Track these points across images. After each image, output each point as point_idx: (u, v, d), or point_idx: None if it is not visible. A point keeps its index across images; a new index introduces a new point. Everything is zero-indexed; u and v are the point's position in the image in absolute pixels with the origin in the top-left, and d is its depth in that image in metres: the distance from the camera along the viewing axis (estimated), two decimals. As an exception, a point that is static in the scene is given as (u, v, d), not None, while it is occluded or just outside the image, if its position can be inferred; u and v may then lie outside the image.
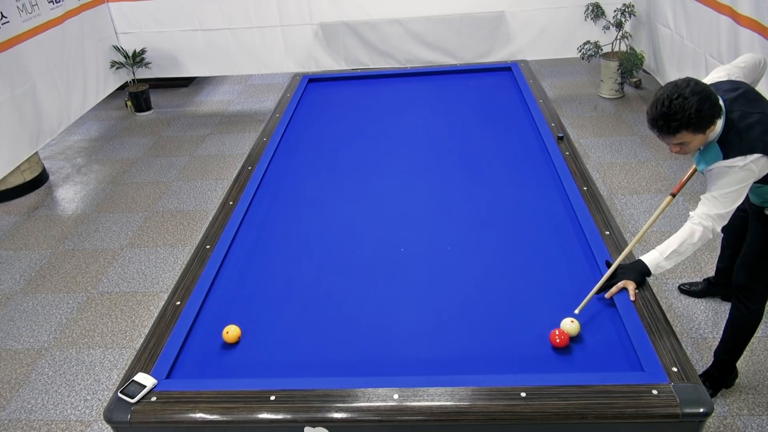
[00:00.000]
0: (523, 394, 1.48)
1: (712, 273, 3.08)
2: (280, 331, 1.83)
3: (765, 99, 1.95)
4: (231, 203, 2.48)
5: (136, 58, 5.63)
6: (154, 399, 1.57)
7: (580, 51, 5.26)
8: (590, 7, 5.09)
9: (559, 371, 1.60)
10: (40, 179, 4.78)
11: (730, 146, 1.82)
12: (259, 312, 1.91)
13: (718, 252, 2.92)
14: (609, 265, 1.90)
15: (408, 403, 1.49)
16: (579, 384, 1.50)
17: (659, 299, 2.64)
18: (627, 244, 2.03)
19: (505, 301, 1.87)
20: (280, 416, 1.50)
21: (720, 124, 1.83)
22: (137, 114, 6.02)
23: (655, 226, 3.62)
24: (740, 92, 1.90)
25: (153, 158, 5.10)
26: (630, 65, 5.06)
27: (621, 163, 4.36)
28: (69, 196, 4.63)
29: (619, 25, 5.11)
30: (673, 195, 2.03)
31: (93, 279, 3.60)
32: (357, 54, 5.54)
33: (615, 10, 5.06)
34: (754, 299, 2.30)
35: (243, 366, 1.71)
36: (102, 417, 1.87)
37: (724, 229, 2.56)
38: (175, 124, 5.76)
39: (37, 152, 4.66)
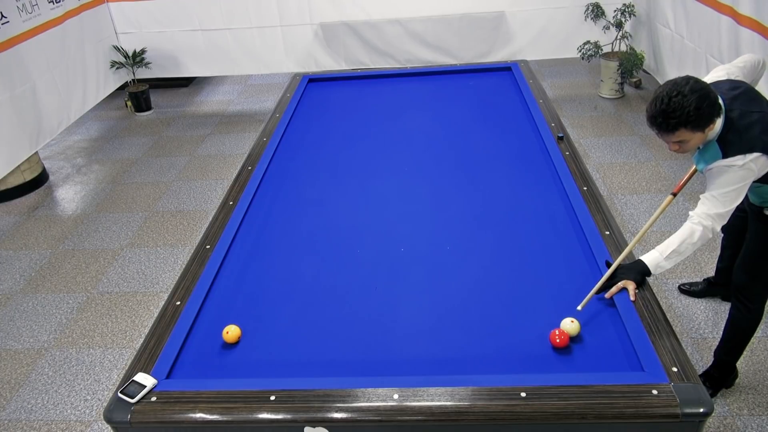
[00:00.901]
0: (523, 394, 1.48)
1: (712, 273, 3.08)
2: (280, 331, 1.83)
3: (765, 98, 1.95)
4: (231, 203, 2.48)
5: (136, 58, 5.63)
6: (154, 399, 1.57)
7: (580, 51, 5.26)
8: (590, 7, 5.09)
9: (559, 371, 1.60)
10: (40, 179, 4.78)
11: (730, 145, 1.82)
12: (259, 312, 1.91)
13: (718, 252, 2.92)
14: (609, 265, 1.90)
15: (408, 403, 1.49)
16: (579, 384, 1.50)
17: (659, 299, 2.64)
18: (627, 244, 2.03)
19: (505, 301, 1.87)
20: (280, 416, 1.50)
21: (719, 122, 1.83)
22: (137, 114, 6.02)
23: (655, 226, 3.61)
24: (740, 91, 1.90)
25: (153, 158, 5.10)
26: (630, 65, 5.06)
27: (621, 163, 4.36)
28: (69, 196, 4.63)
29: (619, 25, 5.11)
30: (674, 194, 2.03)
31: (93, 279, 3.60)
32: (357, 54, 5.54)
33: (615, 10, 5.06)
34: (754, 299, 2.30)
35: (243, 366, 1.71)
36: (102, 417, 1.87)
37: (723, 229, 2.56)
38: (175, 124, 5.76)
39: (37, 152, 4.66)
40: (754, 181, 1.89)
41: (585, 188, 2.38)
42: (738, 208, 1.95)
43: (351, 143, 3.00)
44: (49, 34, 4.61)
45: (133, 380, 1.61)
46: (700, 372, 2.53)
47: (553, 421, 1.45)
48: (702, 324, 2.90)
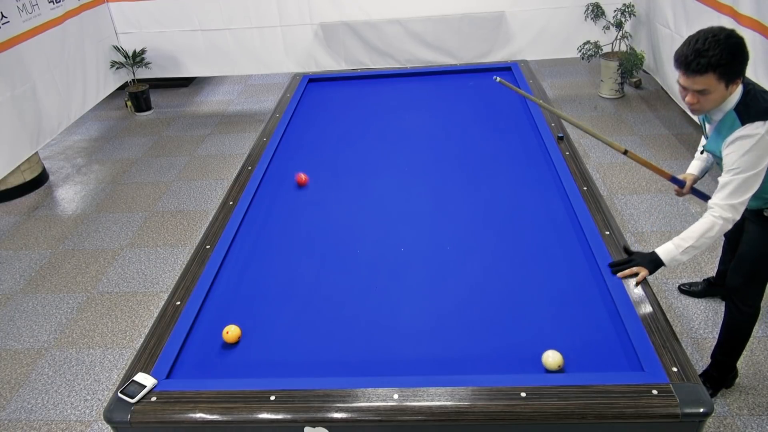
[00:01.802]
0: (523, 394, 1.48)
1: (712, 273, 3.08)
2: (280, 331, 1.83)
3: None
4: (231, 203, 2.48)
5: (136, 58, 5.63)
6: (154, 399, 1.57)
7: (580, 51, 5.26)
8: (590, 7, 5.10)
9: (559, 371, 1.60)
10: (40, 179, 4.78)
11: (747, 111, 1.81)
12: (259, 312, 1.91)
13: (717, 252, 2.92)
14: (626, 250, 1.96)
15: (408, 403, 1.49)
16: (579, 384, 1.50)
17: (659, 299, 2.64)
18: (627, 244, 2.03)
19: (505, 301, 1.87)
20: (280, 416, 1.50)
21: (739, 90, 1.83)
22: (137, 114, 6.02)
23: (655, 225, 3.63)
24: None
25: (153, 158, 5.10)
26: (630, 65, 5.06)
27: (621, 163, 4.36)
28: (69, 196, 4.63)
29: (619, 25, 5.11)
30: (626, 152, 2.13)
31: (93, 279, 3.60)
32: (357, 54, 5.54)
33: (615, 10, 5.06)
34: (749, 301, 2.30)
35: (243, 366, 1.71)
36: (102, 417, 1.87)
37: (725, 234, 2.56)
38: (175, 124, 5.76)
39: (37, 152, 4.66)
40: None
41: (585, 188, 2.38)
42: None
43: (351, 143, 3.00)
44: (49, 34, 4.61)
45: (133, 380, 1.61)
46: (700, 372, 2.53)
47: (553, 421, 1.45)
48: (702, 324, 2.90)
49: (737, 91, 1.83)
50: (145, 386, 1.59)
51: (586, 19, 5.17)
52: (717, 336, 2.67)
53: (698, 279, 3.15)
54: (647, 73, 5.26)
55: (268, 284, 2.04)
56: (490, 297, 1.90)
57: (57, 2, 4.73)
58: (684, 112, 4.48)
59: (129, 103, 6.02)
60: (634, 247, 3.39)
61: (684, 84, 1.84)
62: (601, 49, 5.26)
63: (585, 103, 5.45)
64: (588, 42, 5.22)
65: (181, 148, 5.23)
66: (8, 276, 3.70)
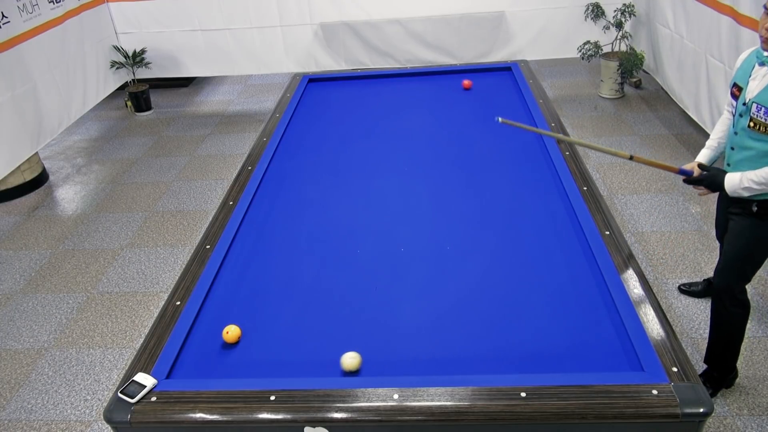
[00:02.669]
0: (523, 394, 1.48)
1: (711, 273, 3.07)
2: (280, 331, 1.83)
3: None
4: (231, 203, 2.49)
5: (136, 58, 5.63)
6: (154, 399, 1.57)
7: (580, 51, 5.27)
8: (590, 7, 5.10)
9: (559, 371, 1.60)
10: (40, 179, 4.78)
11: None
12: (259, 312, 1.91)
13: (717, 253, 2.92)
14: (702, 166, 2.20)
15: (408, 403, 1.49)
16: (579, 384, 1.50)
17: (659, 299, 2.64)
18: (627, 244, 2.03)
19: (504, 301, 1.87)
20: (280, 416, 1.50)
21: None
22: (137, 114, 6.02)
23: (655, 225, 3.63)
24: None
25: (153, 158, 5.10)
26: (630, 65, 5.06)
27: (621, 163, 4.36)
28: (69, 196, 4.64)
29: (619, 25, 5.11)
30: (631, 157, 2.18)
31: (93, 279, 3.60)
32: (357, 54, 5.54)
33: (615, 10, 5.06)
34: (739, 297, 2.32)
35: (243, 366, 1.71)
36: (102, 417, 1.87)
37: (719, 237, 2.61)
38: (175, 124, 5.76)
39: (37, 152, 4.66)
40: None
41: (585, 188, 2.38)
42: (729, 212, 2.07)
43: (351, 143, 3.00)
44: (49, 34, 4.61)
45: (133, 380, 1.62)
46: (700, 372, 2.53)
47: (553, 421, 1.45)
48: (702, 324, 2.90)
49: None
50: (145, 386, 1.59)
51: (586, 19, 5.17)
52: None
53: (698, 279, 3.15)
54: (647, 73, 5.26)
55: (268, 284, 2.04)
56: (490, 297, 1.90)
57: (57, 2, 4.73)
58: (684, 112, 4.48)
59: (129, 103, 6.02)
60: (634, 248, 3.40)
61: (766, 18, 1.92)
62: (601, 49, 5.26)
63: (585, 103, 5.45)
64: (588, 42, 5.22)
65: (181, 148, 5.23)
66: (8, 276, 3.70)
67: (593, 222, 2.16)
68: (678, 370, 1.53)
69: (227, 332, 1.77)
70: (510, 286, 1.94)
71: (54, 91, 4.69)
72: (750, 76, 2.04)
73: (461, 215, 2.34)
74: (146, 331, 3.12)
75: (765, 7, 1.90)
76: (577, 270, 1.98)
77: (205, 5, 5.38)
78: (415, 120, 3.19)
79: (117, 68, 5.62)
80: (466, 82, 3.41)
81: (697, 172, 2.32)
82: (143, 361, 1.70)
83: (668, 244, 3.46)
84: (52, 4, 4.66)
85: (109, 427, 1.61)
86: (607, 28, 5.20)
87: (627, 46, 5.25)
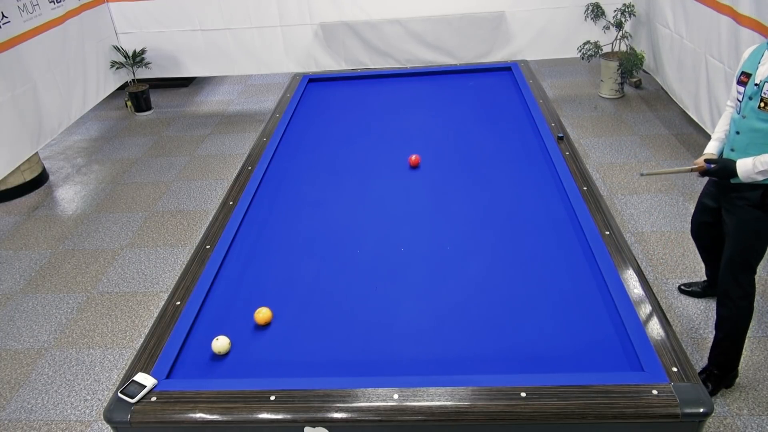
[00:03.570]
0: (523, 394, 1.48)
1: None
2: (280, 331, 1.83)
3: None
4: (231, 203, 2.48)
5: (136, 58, 5.63)
6: (154, 399, 1.57)
7: (580, 51, 5.27)
8: (590, 7, 5.10)
9: (559, 371, 1.60)
10: (40, 179, 4.78)
11: None
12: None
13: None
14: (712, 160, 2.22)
15: (408, 403, 1.49)
16: (579, 384, 1.50)
17: (659, 299, 2.64)
18: (627, 244, 2.03)
19: (504, 301, 1.87)
20: (280, 416, 1.50)
21: None
22: (137, 114, 6.02)
23: (655, 225, 3.63)
24: None
25: (153, 158, 5.10)
26: (630, 65, 5.06)
27: (621, 163, 4.36)
28: (69, 196, 4.64)
29: (619, 25, 5.11)
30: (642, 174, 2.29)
31: (93, 279, 3.60)
32: (357, 54, 5.54)
33: (615, 10, 5.06)
34: (746, 289, 2.33)
35: (243, 366, 1.71)
36: (102, 417, 1.87)
37: (695, 234, 2.73)
38: (175, 124, 5.76)
39: (37, 152, 4.66)
40: None
41: (585, 188, 2.38)
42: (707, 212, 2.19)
43: (351, 143, 3.00)
44: (49, 34, 4.62)
45: (133, 380, 1.61)
46: (699, 371, 2.53)
47: (553, 421, 1.45)
48: (702, 324, 2.90)
49: None
50: (145, 386, 1.59)
51: (586, 19, 5.17)
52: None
53: (698, 279, 3.15)
54: (647, 73, 5.26)
55: (269, 284, 2.04)
56: (490, 297, 1.90)
57: (57, 2, 4.73)
58: (684, 112, 4.48)
59: (129, 103, 6.02)
60: (634, 248, 3.39)
61: None
62: (601, 49, 5.26)
63: (585, 103, 5.45)
64: (588, 42, 5.22)
65: (181, 148, 5.23)
66: (8, 276, 3.70)
67: (593, 222, 2.16)
68: (678, 370, 1.53)
69: (260, 312, 1.82)
70: (510, 286, 1.94)
71: (54, 91, 4.69)
72: (759, 62, 2.10)
73: (461, 215, 2.34)
74: (146, 331, 3.12)
75: None
76: (577, 270, 1.98)
77: (205, 5, 5.39)
78: (416, 120, 3.19)
79: (117, 68, 5.62)
80: (413, 159, 2.70)
81: (702, 165, 2.35)
82: (143, 361, 1.70)
83: (668, 244, 3.47)
84: (52, 4, 4.66)
85: (109, 427, 1.61)
86: (607, 28, 5.20)
87: (627, 46, 5.25)
